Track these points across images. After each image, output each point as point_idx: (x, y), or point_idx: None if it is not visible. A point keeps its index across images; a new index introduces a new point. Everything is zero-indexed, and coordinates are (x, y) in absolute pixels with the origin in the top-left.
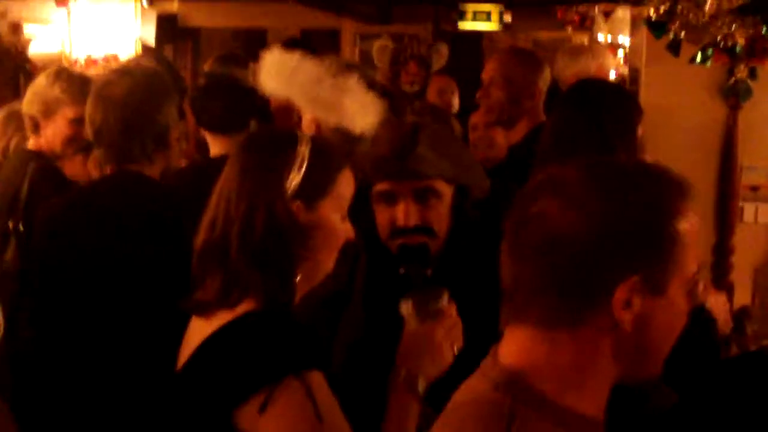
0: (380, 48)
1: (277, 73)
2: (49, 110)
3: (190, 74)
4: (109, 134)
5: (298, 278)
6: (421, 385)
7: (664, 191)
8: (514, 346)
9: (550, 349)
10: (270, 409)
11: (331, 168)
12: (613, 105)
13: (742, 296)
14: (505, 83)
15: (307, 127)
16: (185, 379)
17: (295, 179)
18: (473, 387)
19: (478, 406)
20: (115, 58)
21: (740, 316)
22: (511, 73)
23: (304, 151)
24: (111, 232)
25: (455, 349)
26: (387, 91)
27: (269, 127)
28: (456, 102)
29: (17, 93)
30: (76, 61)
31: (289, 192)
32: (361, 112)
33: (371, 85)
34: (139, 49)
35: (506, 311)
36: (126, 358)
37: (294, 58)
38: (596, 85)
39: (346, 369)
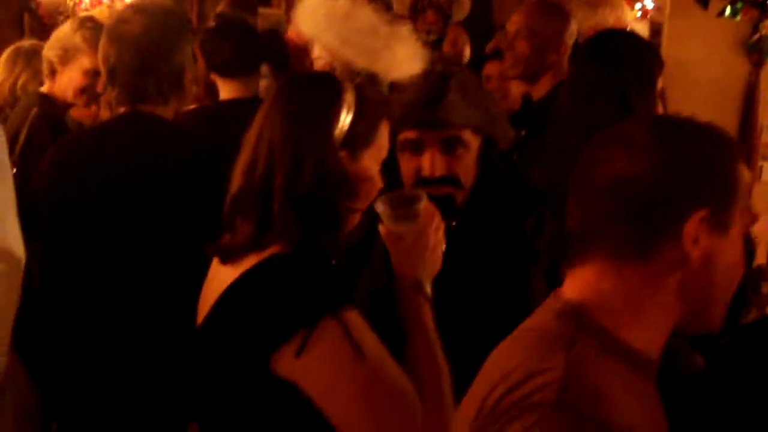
0: None
1: (324, 17)
2: (67, 57)
3: (196, 17)
4: (124, 72)
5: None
6: (428, 287)
7: (723, 138)
8: (578, 283)
9: (617, 283)
10: (309, 351)
11: (374, 117)
12: (631, 57)
13: (759, 256)
14: (531, 35)
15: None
16: (213, 327)
17: (342, 127)
18: (535, 319)
19: (539, 333)
20: None
21: (756, 276)
22: (537, 25)
23: (349, 98)
24: (123, 173)
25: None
26: None
27: (309, 71)
28: (468, 52)
29: (22, 32)
30: (81, 1)
31: (337, 141)
32: (410, 61)
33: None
34: None
35: (571, 252)
36: (141, 305)
37: (346, 3)
38: (614, 36)
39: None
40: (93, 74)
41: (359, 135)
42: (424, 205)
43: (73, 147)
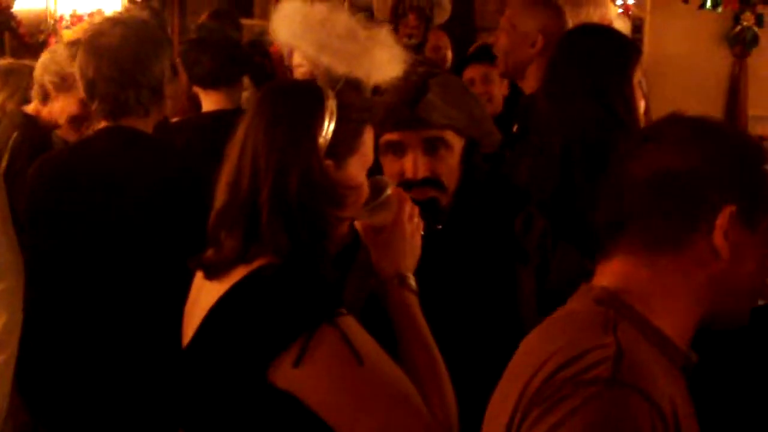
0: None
1: (301, 23)
2: (64, 85)
3: (177, 31)
4: (104, 84)
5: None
6: (412, 279)
7: (753, 141)
8: (612, 273)
9: (651, 273)
10: (307, 360)
11: (358, 123)
12: (606, 53)
13: None
14: (510, 30)
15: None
16: (203, 343)
17: (326, 136)
18: (572, 305)
19: (582, 315)
20: (101, 13)
21: None
22: (515, 17)
23: (332, 105)
24: (105, 188)
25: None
26: None
27: (290, 80)
28: (450, 56)
29: (2, 51)
30: (61, 18)
31: (322, 150)
32: (390, 64)
33: None
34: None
35: (602, 246)
36: (126, 321)
37: (322, 10)
38: (588, 33)
39: None
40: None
41: (343, 142)
42: (393, 190)
43: (55, 163)
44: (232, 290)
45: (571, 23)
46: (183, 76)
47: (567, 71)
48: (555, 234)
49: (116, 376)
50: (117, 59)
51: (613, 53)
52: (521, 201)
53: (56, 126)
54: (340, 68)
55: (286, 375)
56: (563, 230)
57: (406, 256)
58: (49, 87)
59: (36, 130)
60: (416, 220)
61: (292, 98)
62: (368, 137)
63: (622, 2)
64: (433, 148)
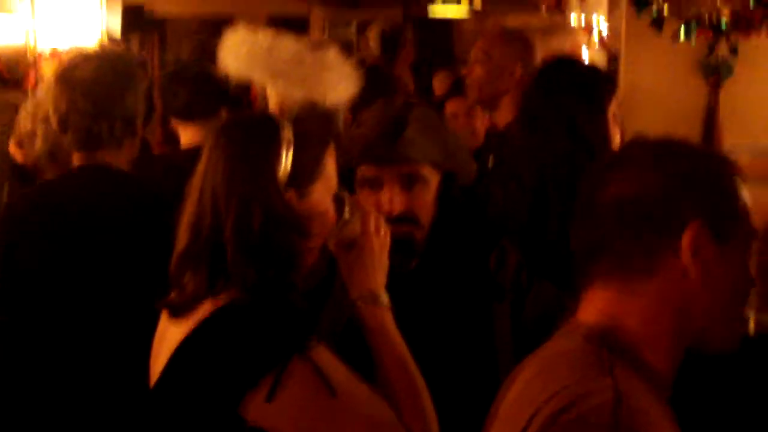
0: (372, 33)
1: (248, 53)
2: None
3: (157, 65)
4: (77, 118)
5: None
6: (384, 296)
7: (722, 157)
8: (593, 307)
9: (627, 304)
10: (279, 395)
11: (316, 149)
12: (578, 85)
13: None
14: (486, 60)
15: (273, 108)
16: (170, 383)
17: (285, 166)
18: (562, 344)
19: (576, 355)
20: (80, 50)
21: None
22: (492, 50)
23: (288, 135)
24: (80, 227)
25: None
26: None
27: (244, 113)
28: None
29: None
30: (41, 54)
31: (282, 181)
32: (341, 84)
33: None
34: (105, 40)
35: (580, 277)
36: (95, 357)
37: (267, 37)
38: (560, 65)
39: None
40: None
41: (304, 170)
42: (353, 199)
43: (29, 201)
44: (198, 328)
45: (543, 51)
46: (160, 111)
47: (540, 103)
48: (529, 268)
49: (89, 413)
50: (90, 92)
51: (585, 87)
52: (496, 235)
53: (41, 172)
54: (295, 93)
55: (259, 411)
56: (537, 264)
57: (376, 272)
58: (53, 121)
59: (24, 177)
60: (383, 232)
61: (248, 132)
62: (330, 161)
63: (599, 35)
64: (410, 183)
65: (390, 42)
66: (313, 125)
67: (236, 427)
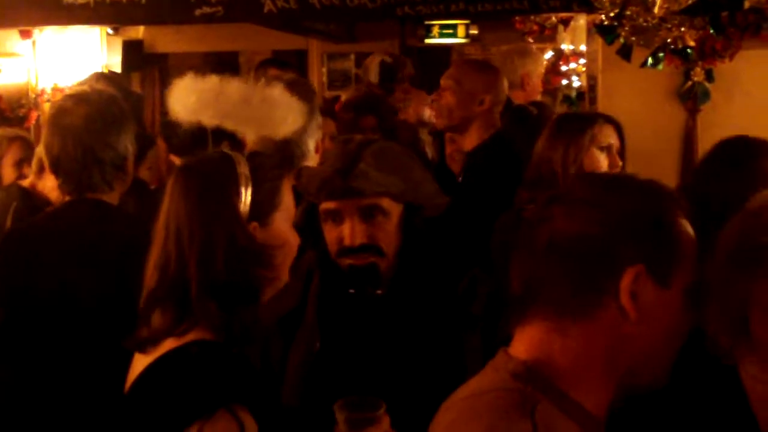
0: (373, 64)
1: (198, 100)
2: None
3: (158, 101)
4: (68, 163)
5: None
6: None
7: (665, 193)
8: (527, 343)
9: (562, 342)
10: None
11: (273, 180)
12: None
13: None
14: (456, 88)
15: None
16: (126, 407)
17: (245, 200)
18: (487, 380)
19: (498, 395)
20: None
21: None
22: (461, 78)
23: (245, 170)
24: (70, 259)
25: None
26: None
27: (199, 154)
28: (428, 113)
29: None
30: (42, 92)
31: (243, 214)
32: (289, 117)
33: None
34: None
35: (516, 312)
36: (74, 394)
37: (214, 82)
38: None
39: (300, 388)
40: None
41: (264, 202)
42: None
43: (22, 235)
44: (153, 363)
45: (521, 71)
46: (162, 145)
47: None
48: (502, 298)
49: None
50: (80, 138)
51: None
52: (465, 264)
53: (48, 202)
54: (245, 131)
55: None
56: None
57: None
58: (46, 162)
59: (31, 202)
60: None
61: (205, 172)
62: (287, 191)
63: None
64: (369, 215)
65: (389, 72)
66: (268, 158)
67: None
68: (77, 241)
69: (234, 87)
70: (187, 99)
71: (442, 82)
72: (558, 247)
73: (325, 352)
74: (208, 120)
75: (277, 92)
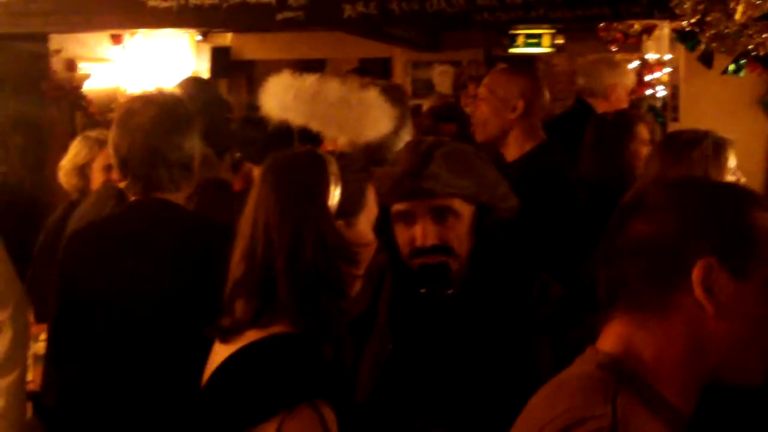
0: (441, 72)
1: (294, 98)
2: None
3: (245, 108)
4: (136, 164)
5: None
6: None
7: (739, 189)
8: (612, 339)
9: (645, 338)
10: None
11: (360, 182)
12: None
13: None
14: (489, 96)
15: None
16: (206, 397)
17: (334, 198)
18: (576, 368)
19: (584, 380)
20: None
21: None
22: (494, 85)
23: (334, 169)
24: (139, 258)
25: None
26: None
27: (292, 150)
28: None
29: (74, 130)
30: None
31: (331, 212)
32: (380, 121)
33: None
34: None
35: (602, 311)
36: (151, 382)
37: (312, 81)
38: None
39: (372, 388)
40: None
41: (350, 202)
42: None
43: (91, 233)
44: (236, 353)
45: (607, 81)
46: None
47: None
48: (572, 301)
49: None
50: (149, 140)
51: None
52: (536, 268)
53: None
54: (337, 133)
55: None
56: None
57: None
58: (114, 163)
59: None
60: None
61: (296, 168)
62: (371, 193)
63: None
64: (441, 216)
65: (457, 79)
66: (356, 160)
67: None
68: (142, 240)
69: (331, 88)
70: (284, 96)
71: (477, 92)
72: (635, 249)
73: (397, 353)
74: (301, 119)
75: (372, 96)
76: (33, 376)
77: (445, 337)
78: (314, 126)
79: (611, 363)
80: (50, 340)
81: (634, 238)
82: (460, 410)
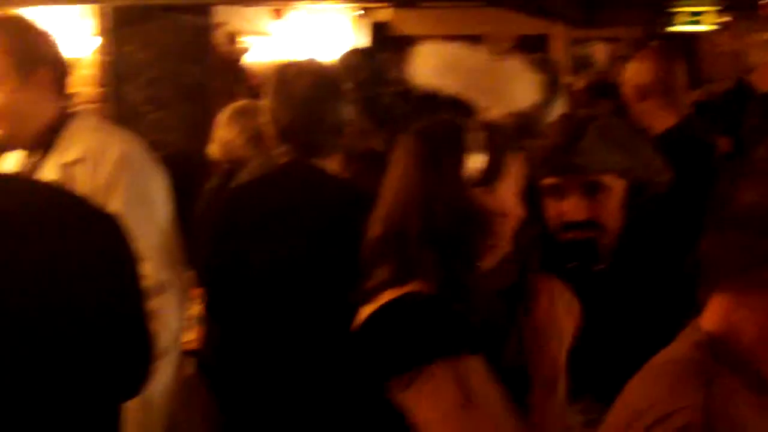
0: (598, 50)
1: (445, 64)
2: None
3: (401, 82)
4: (294, 131)
5: (481, 265)
6: None
7: None
8: (713, 314)
9: (744, 315)
10: (417, 390)
11: (501, 150)
12: None
13: None
14: (636, 80)
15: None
16: (348, 354)
17: (472, 165)
18: (673, 349)
19: (677, 364)
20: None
21: None
22: (641, 69)
23: (476, 136)
24: (291, 220)
25: None
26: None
27: (434, 117)
28: None
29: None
30: None
31: (469, 178)
32: (530, 93)
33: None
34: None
35: (706, 284)
36: (301, 343)
37: (463, 49)
38: None
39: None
40: None
41: (492, 169)
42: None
43: (243, 194)
44: (374, 313)
45: None
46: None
47: None
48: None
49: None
50: (308, 105)
51: None
52: (690, 244)
53: None
54: (487, 102)
55: (401, 396)
56: None
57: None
58: (271, 131)
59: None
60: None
61: (435, 134)
62: (514, 163)
63: None
64: (591, 191)
65: (621, 60)
66: (501, 128)
67: (383, 410)
68: (294, 203)
69: (481, 57)
70: (434, 62)
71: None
72: (736, 219)
73: None
74: (451, 86)
75: (523, 67)
76: (195, 336)
77: (592, 314)
78: (465, 95)
79: (708, 342)
80: (206, 300)
81: (736, 209)
82: (608, 384)
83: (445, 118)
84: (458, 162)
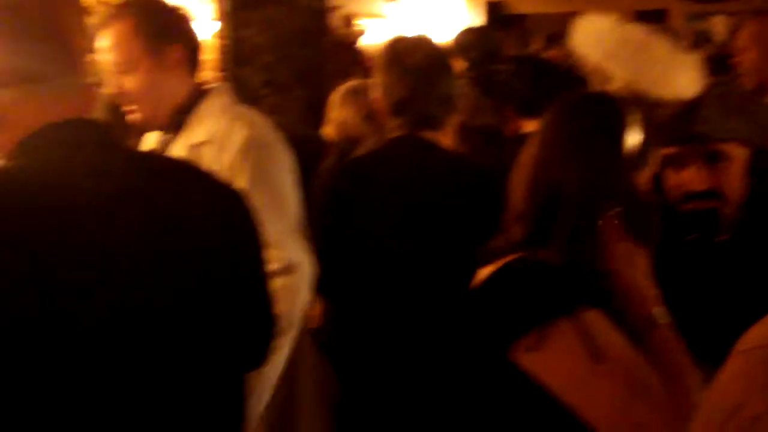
0: (718, 23)
1: (616, 44)
2: None
3: (514, 60)
4: (410, 103)
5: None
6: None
7: None
8: None
9: None
10: (541, 349)
11: (650, 137)
12: None
13: None
14: (756, 46)
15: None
16: (467, 313)
17: (629, 147)
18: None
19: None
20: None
21: None
22: (760, 35)
23: (633, 119)
24: (402, 193)
25: None
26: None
27: (586, 93)
28: None
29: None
30: None
31: (626, 161)
32: (686, 84)
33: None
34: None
35: None
36: (419, 316)
37: (641, 31)
38: None
39: None
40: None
41: (640, 153)
42: None
43: (355, 168)
44: (496, 272)
45: None
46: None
47: None
48: None
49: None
50: (421, 80)
51: None
52: None
53: None
54: (629, 78)
55: (525, 360)
56: None
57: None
58: (385, 105)
59: None
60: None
61: (593, 111)
62: (655, 150)
63: None
64: (712, 160)
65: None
66: (647, 116)
67: (506, 370)
68: (409, 174)
69: (659, 42)
70: (607, 40)
71: (740, 43)
72: None
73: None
74: (614, 68)
75: (692, 58)
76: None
77: (714, 285)
78: (635, 80)
79: None
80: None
81: None
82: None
83: (601, 94)
84: (619, 142)
